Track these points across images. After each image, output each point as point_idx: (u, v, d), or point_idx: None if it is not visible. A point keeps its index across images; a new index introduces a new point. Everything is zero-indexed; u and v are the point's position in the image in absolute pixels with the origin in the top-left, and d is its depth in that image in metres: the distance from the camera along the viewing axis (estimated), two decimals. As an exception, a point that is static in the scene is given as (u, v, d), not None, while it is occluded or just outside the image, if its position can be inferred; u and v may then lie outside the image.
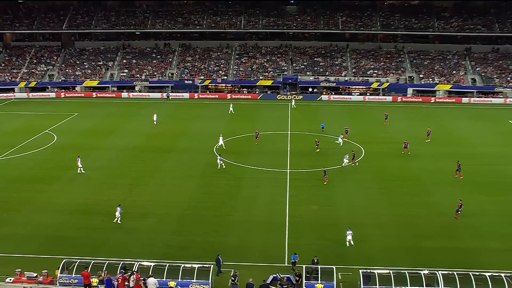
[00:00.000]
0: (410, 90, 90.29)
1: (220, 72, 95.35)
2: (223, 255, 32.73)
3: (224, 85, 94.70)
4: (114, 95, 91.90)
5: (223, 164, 48.07)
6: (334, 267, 28.86)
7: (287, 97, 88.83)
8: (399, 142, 57.62)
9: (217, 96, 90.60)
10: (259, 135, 56.61)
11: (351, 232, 34.37)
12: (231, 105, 75.37)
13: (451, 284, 27.16)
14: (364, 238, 35.36)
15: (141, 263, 29.79)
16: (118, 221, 37.06)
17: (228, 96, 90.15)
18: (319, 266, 28.92)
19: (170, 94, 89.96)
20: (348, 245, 33.66)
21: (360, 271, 28.55)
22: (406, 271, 28.00)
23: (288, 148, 56.95)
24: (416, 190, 44.38)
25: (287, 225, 37.57)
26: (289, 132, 64.60)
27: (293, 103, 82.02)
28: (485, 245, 34.31)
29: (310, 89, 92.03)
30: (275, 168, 50.04)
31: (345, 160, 50.21)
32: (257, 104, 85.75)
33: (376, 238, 35.59)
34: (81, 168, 48.25)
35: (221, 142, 55.75)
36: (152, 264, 29.44)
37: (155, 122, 67.43)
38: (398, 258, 32.60)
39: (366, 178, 47.51)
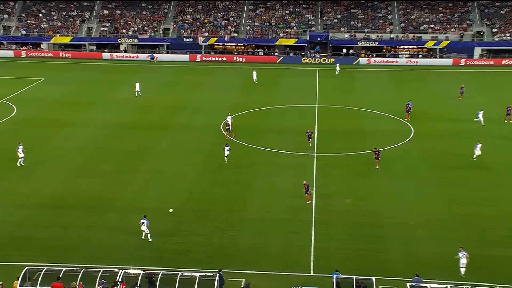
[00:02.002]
0: (478, 50, 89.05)
1: (229, 28, 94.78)
2: (232, 261, 32.69)
3: (234, 44, 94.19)
4: (92, 56, 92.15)
5: (227, 157, 46.51)
6: (373, 278, 28.75)
7: (314, 60, 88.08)
8: (461, 120, 56.83)
9: (225, 59, 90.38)
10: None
11: (466, 253, 31.35)
12: (255, 72, 74.16)
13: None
14: (413, 243, 35.11)
15: (127, 270, 29.85)
16: (149, 238, 34.97)
17: (237, 58, 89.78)
18: (353, 277, 28.78)
19: (156, 55, 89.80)
20: (462, 273, 31.42)
21: (408, 284, 28.31)
22: (468, 287, 27.69)
23: (316, 126, 56.68)
24: (485, 183, 43.88)
25: (313, 224, 37.45)
26: (316, 106, 64.23)
27: (337, 68, 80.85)
28: None
29: (345, 50, 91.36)
30: (298, 151, 49.83)
31: (477, 151, 47.56)
32: (276, 69, 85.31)
33: (429, 242, 35.25)
34: (22, 160, 46.19)
35: (230, 122, 53.48)
36: (141, 272, 29.51)
37: (137, 93, 67.00)
38: (457, 269, 32.06)
39: (417, 166, 47.01)
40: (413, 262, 32.86)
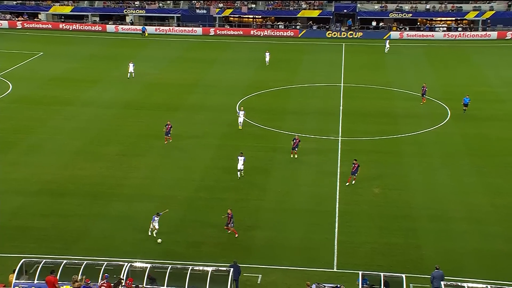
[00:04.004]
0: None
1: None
2: (248, 254, 32.66)
3: (251, 16, 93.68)
4: (95, 28, 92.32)
5: (242, 171, 42.03)
6: (403, 275, 28.60)
7: (340, 34, 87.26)
8: (506, 101, 56.04)
9: (241, 33, 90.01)
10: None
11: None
12: (268, 53, 72.30)
13: None
14: (450, 238, 34.88)
15: (133, 264, 29.96)
16: (154, 234, 34.60)
17: (255, 32, 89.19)
18: (381, 274, 28.72)
19: (148, 28, 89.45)
20: None
21: (442, 283, 28.11)
22: None
23: (341, 107, 56.40)
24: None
25: (337, 215, 37.38)
26: (342, 85, 63.90)
27: (387, 45, 79.01)
28: None
29: (374, 23, 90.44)
30: (321, 135, 49.68)
31: None
32: (298, 44, 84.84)
33: (469, 237, 35.02)
34: None
35: (241, 119, 50.97)
36: (149, 265, 29.60)
37: (130, 75, 65.39)
38: (501, 268, 32.00)
39: (455, 152, 46.63)
40: (449, 259, 32.63)
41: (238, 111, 51.96)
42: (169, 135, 47.40)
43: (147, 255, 32.41)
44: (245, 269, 30.74)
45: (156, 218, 34.46)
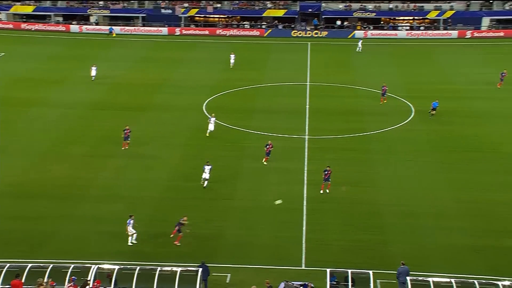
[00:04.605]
0: (486, 21, 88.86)
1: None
2: (217, 254, 32.58)
3: (217, 16, 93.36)
4: (59, 28, 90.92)
5: (207, 180, 40.47)
6: (371, 272, 28.74)
7: (305, 33, 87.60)
8: (468, 98, 56.92)
9: (207, 32, 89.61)
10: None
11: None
12: (233, 55, 71.34)
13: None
14: (417, 233, 35.19)
15: (100, 266, 29.60)
16: (132, 241, 33.97)
17: (221, 32, 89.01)
18: (348, 270, 28.83)
19: (114, 28, 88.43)
20: None
21: (408, 278, 28.33)
22: (476, 281, 27.78)
23: (307, 106, 56.54)
24: (495, 166, 44.00)
25: (305, 213, 37.48)
26: (308, 84, 64.01)
27: (359, 45, 78.91)
28: None
29: (339, 22, 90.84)
30: (288, 133, 49.70)
31: None
32: (264, 43, 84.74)
33: (435, 233, 35.35)
34: None
35: (212, 126, 48.81)
36: (116, 267, 29.28)
37: (93, 78, 63.91)
38: (465, 262, 32.43)
39: (421, 148, 47.09)
40: (416, 255, 32.93)
41: (209, 117, 49.74)
42: (128, 140, 46.34)
43: (115, 257, 32.01)
44: (214, 268, 30.62)
45: (131, 222, 33.84)
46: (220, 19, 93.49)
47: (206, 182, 40.45)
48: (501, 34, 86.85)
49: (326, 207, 38.25)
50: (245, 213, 37.55)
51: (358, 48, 78.25)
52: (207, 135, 48.80)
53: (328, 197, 39.36)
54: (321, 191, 39.87)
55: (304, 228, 35.79)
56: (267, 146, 44.09)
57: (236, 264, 32.01)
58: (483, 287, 27.37)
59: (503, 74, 61.23)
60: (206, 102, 56.62)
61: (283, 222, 36.47)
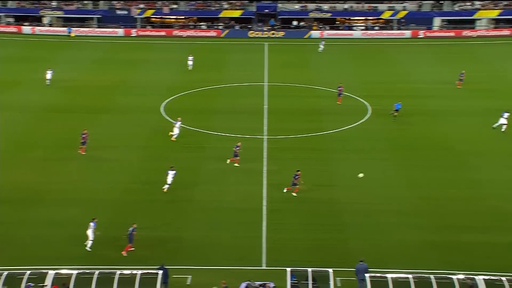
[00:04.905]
0: (437, 21, 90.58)
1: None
2: (177, 256, 32.39)
3: (174, 17, 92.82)
4: (10, 29, 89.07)
5: (166, 185, 39.95)
6: (331, 270, 28.87)
7: (262, 33, 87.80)
8: (423, 96, 57.79)
9: (164, 34, 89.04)
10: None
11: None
12: (191, 57, 70.27)
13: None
14: (376, 231, 35.55)
15: (58, 271, 29.02)
16: (88, 248, 33.35)
17: (177, 33, 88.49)
18: (309, 269, 28.94)
19: (74, 29, 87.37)
20: None
21: (367, 275, 28.55)
22: (432, 276, 28.13)
23: (265, 106, 56.65)
24: (450, 163, 44.73)
25: (265, 213, 37.49)
26: (266, 84, 64.19)
27: (321, 45, 79.21)
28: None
29: (295, 23, 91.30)
30: (247, 133, 49.70)
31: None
32: (221, 44, 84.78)
33: (393, 230, 35.78)
34: None
35: (177, 130, 48.03)
36: (75, 272, 28.83)
37: (48, 81, 62.41)
38: (422, 258, 32.84)
39: (378, 147, 47.61)
40: (375, 252, 33.23)
41: (174, 122, 48.97)
42: (85, 144, 45.36)
43: (73, 261, 31.49)
44: (174, 270, 30.43)
45: (92, 225, 33.26)
46: (177, 19, 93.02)
47: (167, 187, 39.86)
48: (452, 34, 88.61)
49: (286, 207, 38.33)
50: (205, 215, 37.38)
51: (320, 49, 78.65)
52: (174, 139, 47.81)
53: (288, 197, 39.45)
54: (294, 194, 39.49)
55: (264, 228, 35.81)
56: (236, 148, 43.85)
57: (197, 265, 31.82)
58: (438, 282, 27.78)
59: (461, 75, 62.21)
60: (164, 103, 56.25)
61: (243, 223, 36.46)
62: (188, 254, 33.08)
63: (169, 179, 39.82)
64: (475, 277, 28.10)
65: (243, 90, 62.21)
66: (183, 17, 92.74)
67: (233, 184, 41.35)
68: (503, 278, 27.74)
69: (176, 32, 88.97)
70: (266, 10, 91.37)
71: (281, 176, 41.94)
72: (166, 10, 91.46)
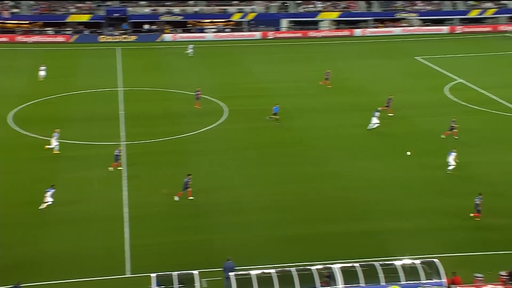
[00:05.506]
0: (284, 22, 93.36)
1: (7, 2, 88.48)
2: (36, 272, 30.94)
3: (15, 22, 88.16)
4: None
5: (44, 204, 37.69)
6: (196, 272, 28.85)
7: (113, 38, 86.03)
8: (275, 96, 59.27)
9: (6, 40, 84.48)
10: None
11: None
12: (43, 67, 66.08)
13: (353, 278, 28.72)
14: (242, 229, 35.94)
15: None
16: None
17: (22, 39, 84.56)
18: (173, 273, 28.75)
19: None
20: None
21: (230, 274, 28.80)
22: (293, 269, 28.93)
23: (122, 112, 55.85)
24: (306, 159, 46.01)
25: (127, 220, 36.80)
26: (121, 89, 63.20)
27: (189, 49, 78.09)
28: (399, 226, 36.55)
29: (147, 26, 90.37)
30: (104, 140, 48.57)
31: (451, 162, 42.62)
32: (71, 49, 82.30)
33: (258, 227, 36.33)
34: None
35: (55, 143, 45.86)
36: None
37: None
38: (288, 251, 33.64)
39: (237, 146, 48.22)
40: (242, 249, 33.62)
41: (53, 134, 46.12)
42: None
43: None
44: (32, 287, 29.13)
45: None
46: (20, 25, 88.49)
47: (45, 205, 37.39)
48: (299, 34, 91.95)
49: (148, 212, 37.80)
50: (64, 226, 35.95)
51: (189, 53, 77.98)
52: (56, 152, 45.54)
53: (150, 202, 38.95)
54: (191, 197, 38.92)
55: (127, 235, 35.06)
56: (117, 151, 43.17)
57: (57, 280, 30.44)
58: (299, 273, 28.51)
59: (327, 74, 64.23)
60: (13, 113, 53.40)
61: (105, 231, 35.52)
62: (47, 270, 31.49)
63: (49, 198, 37.47)
64: (332, 265, 29.38)
65: (98, 96, 60.60)
66: (27, 22, 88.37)
67: (92, 193, 40.14)
68: (356, 264, 29.44)
69: (19, 38, 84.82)
70: (116, 14, 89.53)
71: (142, 182, 41.49)
72: (6, 14, 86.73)
